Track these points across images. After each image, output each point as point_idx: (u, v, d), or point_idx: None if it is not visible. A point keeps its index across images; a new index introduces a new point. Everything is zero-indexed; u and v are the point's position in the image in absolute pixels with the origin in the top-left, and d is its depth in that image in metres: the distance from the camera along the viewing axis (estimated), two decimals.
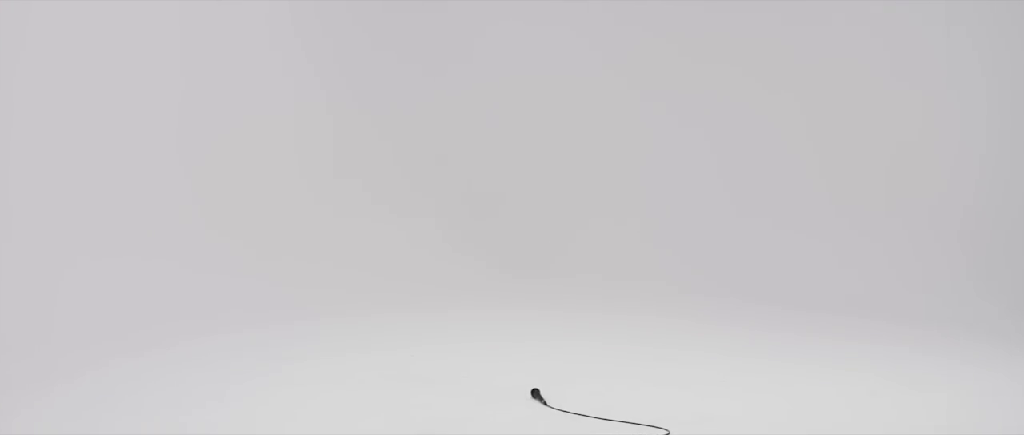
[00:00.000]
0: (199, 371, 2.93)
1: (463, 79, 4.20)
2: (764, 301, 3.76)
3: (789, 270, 3.93)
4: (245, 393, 2.78)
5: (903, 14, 3.98)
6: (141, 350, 3.06)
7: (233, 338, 3.22)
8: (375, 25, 4.07)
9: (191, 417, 2.60)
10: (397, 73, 4.11)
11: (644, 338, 3.36)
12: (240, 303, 3.46)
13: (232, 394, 2.77)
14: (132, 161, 3.55)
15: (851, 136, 4.06)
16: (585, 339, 3.35)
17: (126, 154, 3.54)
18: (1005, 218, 3.87)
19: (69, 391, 2.75)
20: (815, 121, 4.10)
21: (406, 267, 3.90)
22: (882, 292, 3.79)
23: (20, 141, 3.32)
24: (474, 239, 4.09)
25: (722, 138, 4.16)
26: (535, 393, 2.74)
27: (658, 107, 4.20)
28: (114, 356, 3.00)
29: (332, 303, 3.58)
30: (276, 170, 3.87)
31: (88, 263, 3.36)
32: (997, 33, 3.88)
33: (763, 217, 4.08)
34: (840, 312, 3.64)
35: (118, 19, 3.52)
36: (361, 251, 3.88)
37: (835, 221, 4.02)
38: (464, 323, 3.50)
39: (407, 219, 4.05)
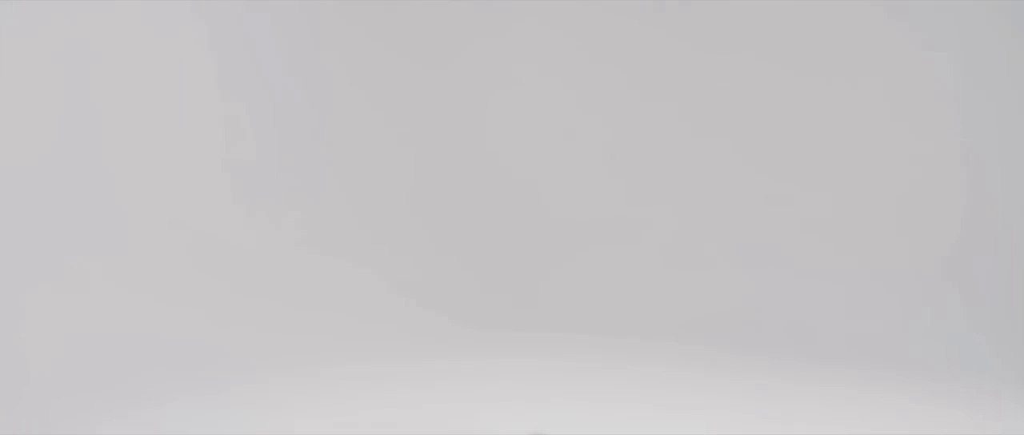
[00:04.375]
0: None
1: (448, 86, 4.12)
2: (765, 351, 3.67)
3: (787, 316, 3.87)
4: None
5: (911, 53, 3.93)
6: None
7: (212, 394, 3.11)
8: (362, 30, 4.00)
9: None
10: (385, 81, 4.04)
11: (628, 395, 3.27)
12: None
13: None
14: (90, 197, 3.47)
15: (857, 174, 4.01)
16: (578, 397, 3.25)
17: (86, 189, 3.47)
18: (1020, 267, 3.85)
19: None
20: (815, 157, 4.04)
21: (383, 312, 3.81)
22: (885, 338, 3.74)
23: None
24: (456, 279, 3.99)
25: (727, 158, 4.08)
26: None
27: (655, 131, 4.13)
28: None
29: (304, 351, 3.46)
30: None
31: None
32: (1012, 78, 3.86)
33: (759, 259, 4.01)
34: (840, 361, 3.58)
35: (110, 29, 3.48)
36: (334, 295, 3.77)
37: (839, 264, 3.96)
38: (450, 373, 3.39)
39: (383, 261, 3.95)
